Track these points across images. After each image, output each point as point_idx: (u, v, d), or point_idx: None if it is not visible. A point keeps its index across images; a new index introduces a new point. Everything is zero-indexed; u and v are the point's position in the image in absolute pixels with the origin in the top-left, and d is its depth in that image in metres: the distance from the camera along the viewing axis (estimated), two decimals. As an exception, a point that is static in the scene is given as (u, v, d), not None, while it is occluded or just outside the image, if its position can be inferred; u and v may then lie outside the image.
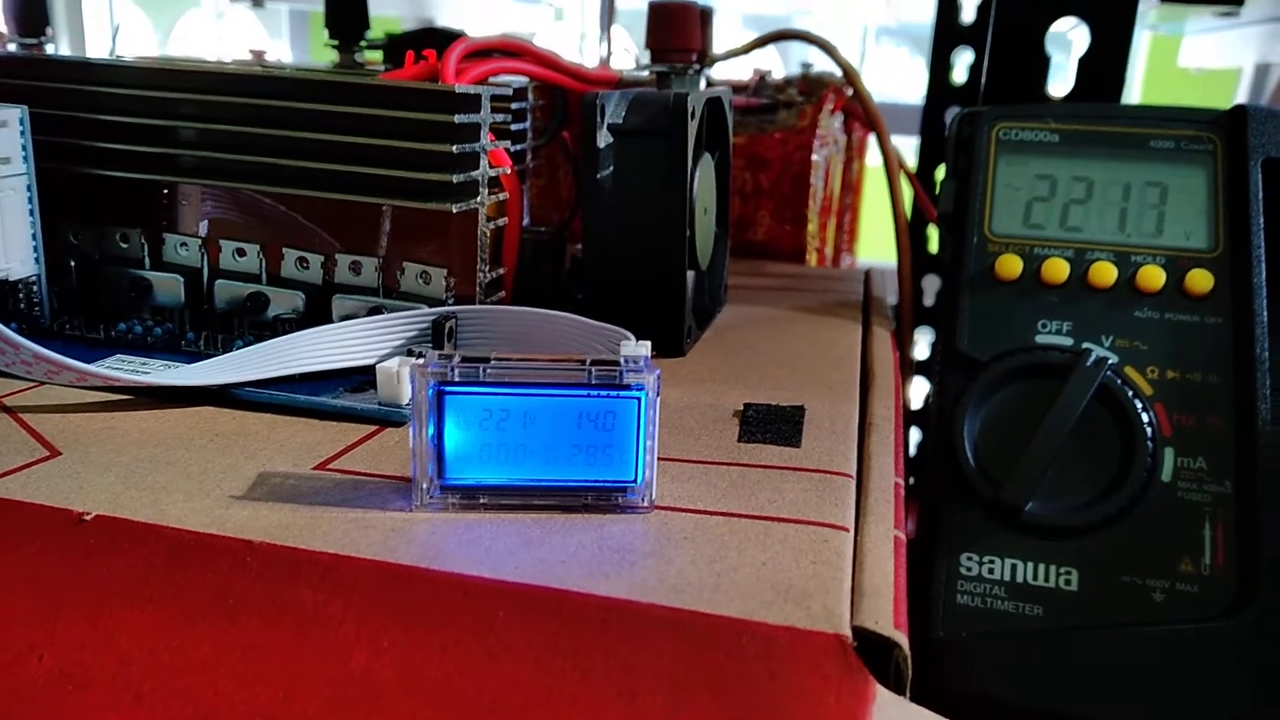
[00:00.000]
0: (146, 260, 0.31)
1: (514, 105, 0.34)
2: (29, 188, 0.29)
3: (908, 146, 0.56)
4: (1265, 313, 0.29)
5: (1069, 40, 0.41)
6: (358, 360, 0.27)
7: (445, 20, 1.09)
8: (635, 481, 0.20)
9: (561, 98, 0.38)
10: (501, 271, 0.31)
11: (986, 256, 0.31)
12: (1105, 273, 0.30)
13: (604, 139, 0.30)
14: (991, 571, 0.28)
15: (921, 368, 0.56)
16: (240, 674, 0.17)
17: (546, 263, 0.35)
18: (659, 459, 0.21)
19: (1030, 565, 0.28)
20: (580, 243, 0.32)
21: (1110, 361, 0.29)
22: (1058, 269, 0.31)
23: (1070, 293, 0.30)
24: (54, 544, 0.19)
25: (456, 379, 0.20)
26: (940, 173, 0.56)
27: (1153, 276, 0.30)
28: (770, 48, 0.43)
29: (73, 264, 0.31)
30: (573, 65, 0.35)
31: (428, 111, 0.27)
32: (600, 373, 0.20)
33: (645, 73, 0.35)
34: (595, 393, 0.20)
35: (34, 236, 0.29)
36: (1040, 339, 0.30)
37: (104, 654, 0.17)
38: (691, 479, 0.22)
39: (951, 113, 0.53)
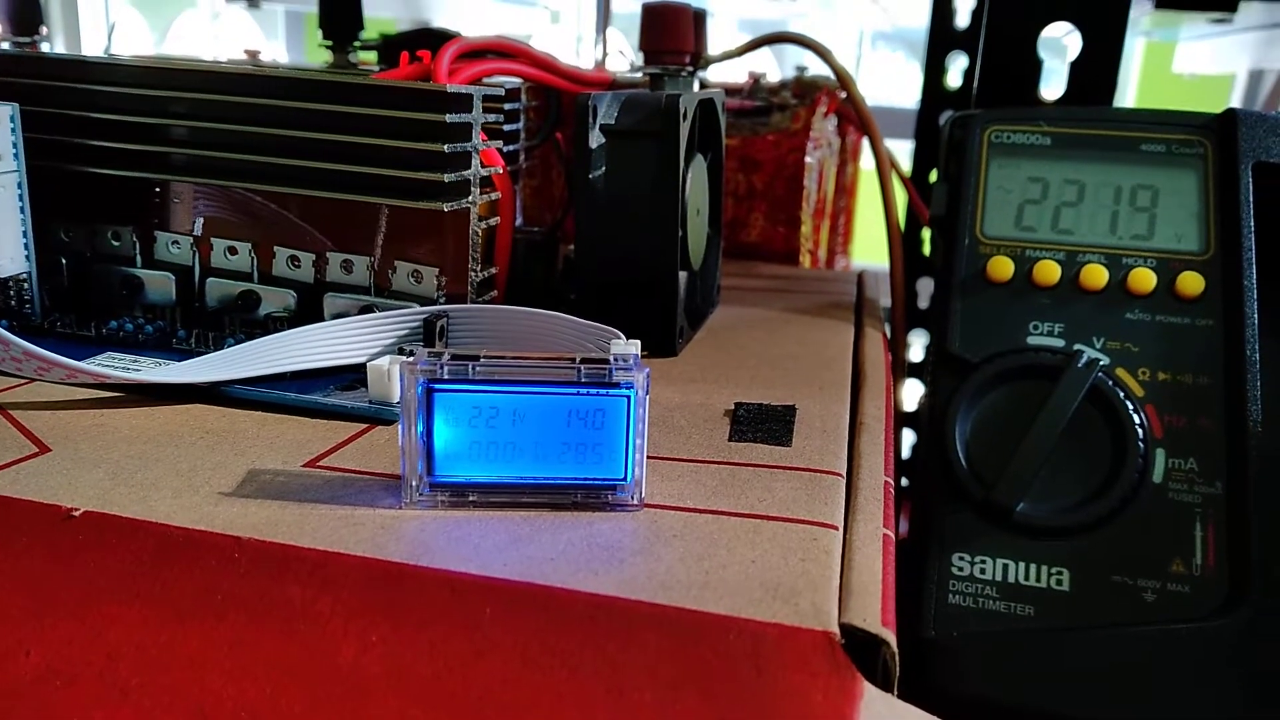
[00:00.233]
0: (138, 258, 0.31)
1: (507, 106, 0.34)
2: (20, 185, 0.29)
3: (902, 150, 0.57)
4: (1256, 315, 0.29)
5: (1064, 45, 0.41)
6: (349, 359, 0.27)
7: (440, 21, 1.09)
8: (625, 479, 0.20)
9: (555, 98, 0.38)
10: (493, 271, 0.31)
11: (978, 258, 0.31)
12: (1096, 275, 0.30)
13: (596, 140, 0.30)
14: (983, 571, 0.28)
15: (915, 370, 0.56)
16: (228, 670, 0.17)
17: (539, 263, 0.35)
18: (649, 457, 0.21)
19: (1022, 565, 0.28)
20: (573, 243, 0.32)
21: (1101, 363, 0.29)
22: (1049, 271, 0.31)
23: (1062, 295, 0.31)
24: (42, 540, 0.19)
25: (446, 376, 0.20)
26: (934, 176, 0.56)
27: (1144, 279, 0.30)
28: (765, 51, 0.43)
29: (64, 261, 0.31)
30: (566, 66, 0.36)
31: (419, 111, 0.27)
32: (590, 371, 0.20)
33: (639, 74, 0.35)
34: (585, 391, 0.20)
35: (25, 234, 0.29)
36: (1032, 340, 0.30)
37: (92, 650, 0.17)
38: (681, 477, 0.22)
39: (945, 116, 0.53)
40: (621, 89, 0.34)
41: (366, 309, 0.29)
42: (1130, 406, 0.28)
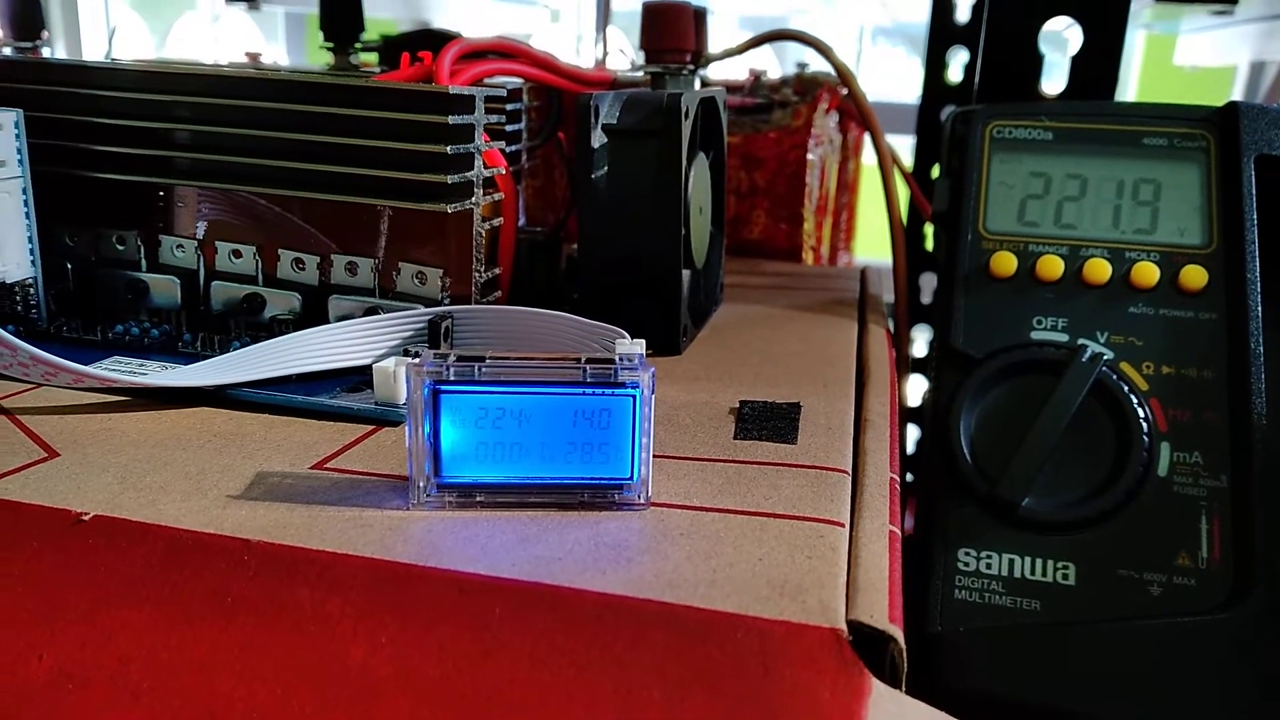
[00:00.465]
0: (143, 262, 0.31)
1: (509, 106, 0.34)
2: (25, 190, 0.29)
3: (904, 146, 0.57)
4: (1259, 308, 0.29)
5: (1065, 39, 0.41)
6: (354, 360, 0.28)
7: (441, 22, 1.09)
8: (631, 478, 0.20)
9: (556, 99, 0.38)
10: (497, 271, 0.31)
11: (981, 254, 0.31)
12: (1100, 269, 0.30)
13: (598, 139, 0.31)
14: (989, 567, 0.28)
15: (920, 365, 0.56)
16: (238, 672, 0.17)
17: (542, 263, 0.35)
18: (655, 456, 0.21)
19: (1027, 560, 0.28)
20: (576, 243, 0.32)
21: (1105, 357, 0.29)
22: (1052, 266, 0.31)
23: (1065, 289, 0.31)
24: (52, 544, 0.19)
25: (452, 378, 0.20)
26: (936, 171, 0.56)
27: (1147, 273, 0.30)
28: (766, 48, 0.43)
29: (69, 266, 0.31)
30: (567, 66, 0.36)
31: (422, 113, 0.27)
32: (595, 371, 0.20)
33: (640, 73, 0.35)
34: (590, 391, 0.20)
35: (30, 239, 0.29)
36: (1035, 335, 0.30)
37: (103, 653, 0.17)
38: (687, 476, 0.22)
39: (947, 112, 0.53)
40: (623, 88, 0.34)
41: (371, 311, 0.29)
42: (1135, 400, 0.28)
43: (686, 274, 0.32)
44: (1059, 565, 0.28)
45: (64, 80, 0.30)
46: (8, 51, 0.39)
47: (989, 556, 0.28)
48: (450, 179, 0.28)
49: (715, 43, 0.41)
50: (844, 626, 0.17)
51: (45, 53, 0.40)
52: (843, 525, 0.20)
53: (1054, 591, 0.27)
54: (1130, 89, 1.21)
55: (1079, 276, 0.30)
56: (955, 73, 0.57)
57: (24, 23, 0.39)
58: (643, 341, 0.21)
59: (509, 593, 0.18)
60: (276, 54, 1.26)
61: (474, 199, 0.29)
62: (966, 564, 0.28)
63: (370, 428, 0.25)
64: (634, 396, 0.20)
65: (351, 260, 0.29)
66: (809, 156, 0.46)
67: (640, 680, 0.16)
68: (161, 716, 0.16)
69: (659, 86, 0.32)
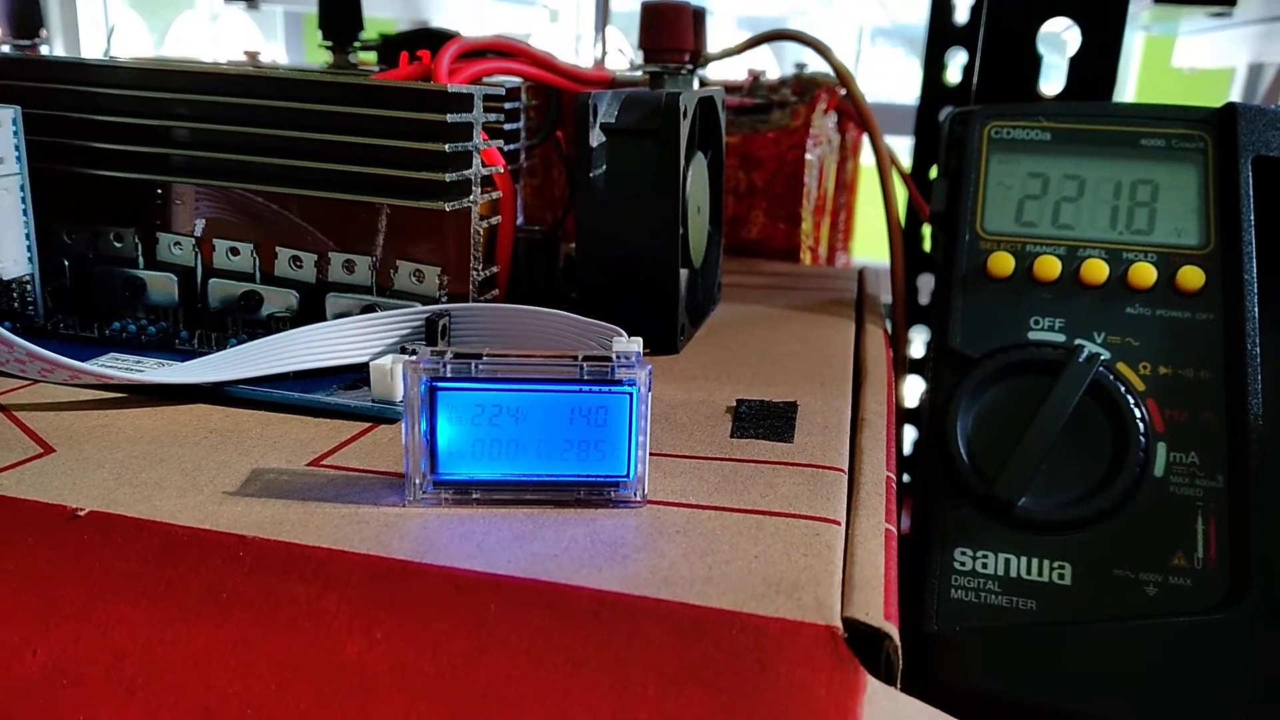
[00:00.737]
0: (140, 259, 0.31)
1: (507, 105, 0.34)
2: (22, 188, 0.29)
3: (903, 147, 0.57)
4: (1256, 309, 0.29)
5: (1064, 41, 0.41)
6: (351, 358, 0.28)
7: (439, 21, 1.09)
8: (627, 476, 0.20)
9: (555, 97, 0.38)
10: (495, 270, 0.31)
11: (979, 254, 0.32)
12: (1097, 270, 0.30)
13: (596, 138, 0.31)
14: (985, 566, 0.28)
15: (918, 366, 0.56)
16: (233, 668, 0.17)
17: (540, 261, 0.35)
18: (652, 454, 0.21)
19: (1024, 560, 0.28)
20: (574, 241, 0.32)
21: (1102, 358, 0.29)
22: (1050, 266, 0.31)
23: (1062, 290, 0.31)
24: (48, 540, 0.19)
25: (449, 375, 0.20)
26: (934, 172, 0.56)
27: (1144, 273, 0.30)
28: (766, 49, 0.43)
29: (67, 263, 0.31)
30: (566, 65, 0.36)
31: (420, 111, 0.27)
32: (592, 368, 0.20)
33: (638, 73, 0.35)
34: (587, 388, 0.20)
35: (28, 236, 0.29)
36: (1032, 336, 0.30)
37: (98, 649, 0.17)
38: (684, 474, 0.22)
39: (945, 112, 0.53)
40: (621, 87, 0.34)
41: (369, 308, 0.29)
42: (1131, 401, 0.28)
43: (684, 273, 0.32)
44: (1055, 565, 0.28)
45: (62, 77, 0.30)
46: (6, 49, 0.39)
47: (985, 556, 0.28)
48: (448, 177, 0.28)
49: (714, 43, 0.41)
50: (839, 624, 0.17)
51: (44, 51, 0.40)
52: (839, 523, 0.20)
53: (1050, 591, 0.27)
54: (1129, 91, 1.22)
55: (1076, 277, 0.31)
56: (954, 74, 0.57)
57: (22, 21, 0.39)
58: (639, 339, 0.21)
59: (505, 589, 0.18)
60: (275, 53, 1.26)
61: (472, 197, 0.29)
62: (963, 563, 0.28)
63: (367, 425, 0.25)
64: (630, 394, 0.20)
65: (349, 258, 0.29)
66: (807, 157, 0.46)
67: (636, 677, 0.16)
68: (156, 712, 0.16)
69: (657, 86, 0.32)
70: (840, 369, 0.31)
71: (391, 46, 0.41)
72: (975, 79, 0.41)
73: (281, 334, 0.27)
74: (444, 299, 0.29)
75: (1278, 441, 0.28)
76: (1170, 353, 0.29)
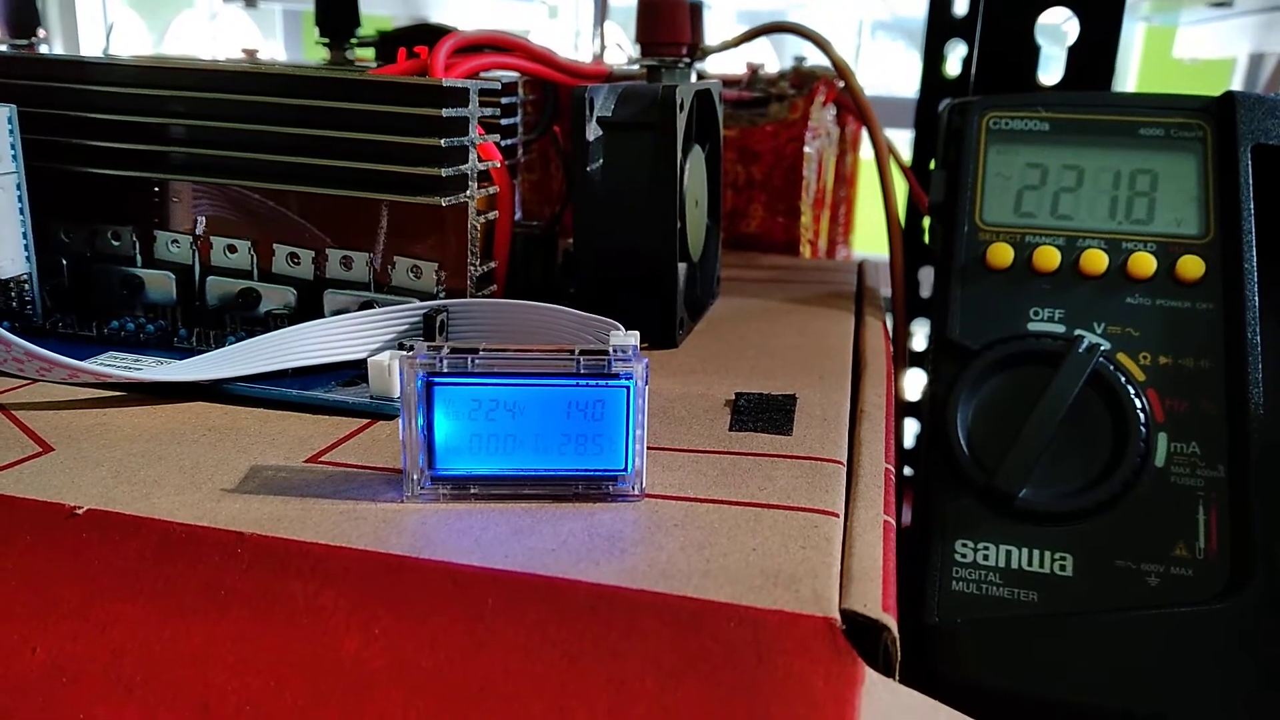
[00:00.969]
0: (138, 258, 0.31)
1: (504, 100, 0.34)
2: (19, 186, 0.29)
3: (903, 139, 0.57)
4: (1256, 298, 0.29)
5: (1064, 32, 0.41)
6: (349, 354, 0.28)
7: (438, 17, 1.09)
8: (625, 470, 0.20)
9: (552, 92, 0.38)
10: (493, 265, 0.31)
11: (978, 245, 0.31)
12: (1096, 260, 0.30)
13: (593, 132, 0.30)
14: (986, 558, 0.28)
15: (919, 360, 0.56)
16: (232, 665, 0.17)
17: (538, 256, 0.35)
18: (650, 448, 0.21)
19: (1025, 551, 0.28)
20: (572, 236, 0.32)
21: (1102, 348, 0.29)
22: (1049, 257, 0.31)
23: (1062, 280, 0.31)
24: (46, 538, 0.19)
25: (445, 370, 0.20)
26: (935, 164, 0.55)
27: (1144, 263, 0.30)
28: (765, 42, 0.43)
29: (64, 262, 0.31)
30: (563, 60, 0.35)
31: (415, 106, 0.27)
32: (589, 362, 0.20)
33: (636, 67, 0.35)
34: (584, 382, 0.20)
35: (25, 235, 0.29)
36: (1032, 326, 0.30)
37: (96, 646, 0.17)
38: (682, 467, 0.22)
39: (944, 104, 0.53)
40: (619, 81, 0.34)
41: (366, 305, 0.29)
42: (1131, 391, 0.28)
43: (683, 267, 0.32)
44: (1056, 556, 0.27)
45: (59, 76, 0.30)
46: (4, 48, 0.38)
47: (986, 548, 0.28)
48: (445, 172, 0.28)
49: (713, 36, 0.41)
50: (837, 616, 0.17)
51: (42, 49, 0.40)
52: (837, 515, 0.20)
53: (1051, 582, 0.27)
54: (1130, 81, 1.21)
55: (1076, 267, 0.30)
56: (953, 66, 0.57)
57: (20, 19, 0.39)
58: (636, 333, 0.21)
59: (503, 584, 0.18)
60: (274, 51, 1.26)
61: (469, 192, 0.29)
62: (964, 555, 0.28)
63: (365, 421, 0.25)
64: (628, 388, 0.20)
65: (346, 254, 0.29)
66: (806, 150, 0.46)
67: (634, 670, 0.16)
68: (155, 709, 0.16)
69: (655, 80, 0.32)
70: (839, 362, 0.31)
71: (389, 43, 0.41)
72: (973, 70, 0.41)
73: (279, 331, 0.27)
74: (442, 294, 0.29)
75: (1278, 431, 0.28)
76: (1170, 342, 0.29)
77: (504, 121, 0.34)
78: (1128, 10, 0.39)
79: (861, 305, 0.38)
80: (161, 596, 0.18)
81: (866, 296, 0.39)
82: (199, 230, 0.30)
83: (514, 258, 0.33)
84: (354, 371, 0.27)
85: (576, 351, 0.20)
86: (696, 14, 0.35)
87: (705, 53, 0.41)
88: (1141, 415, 0.28)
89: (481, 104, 0.29)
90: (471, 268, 0.29)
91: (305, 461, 0.22)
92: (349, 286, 0.30)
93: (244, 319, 0.30)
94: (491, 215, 0.31)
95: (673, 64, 0.33)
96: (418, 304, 0.28)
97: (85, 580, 0.18)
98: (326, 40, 0.38)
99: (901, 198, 0.44)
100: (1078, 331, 0.30)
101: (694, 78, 0.36)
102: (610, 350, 0.20)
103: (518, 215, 0.35)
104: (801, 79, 0.48)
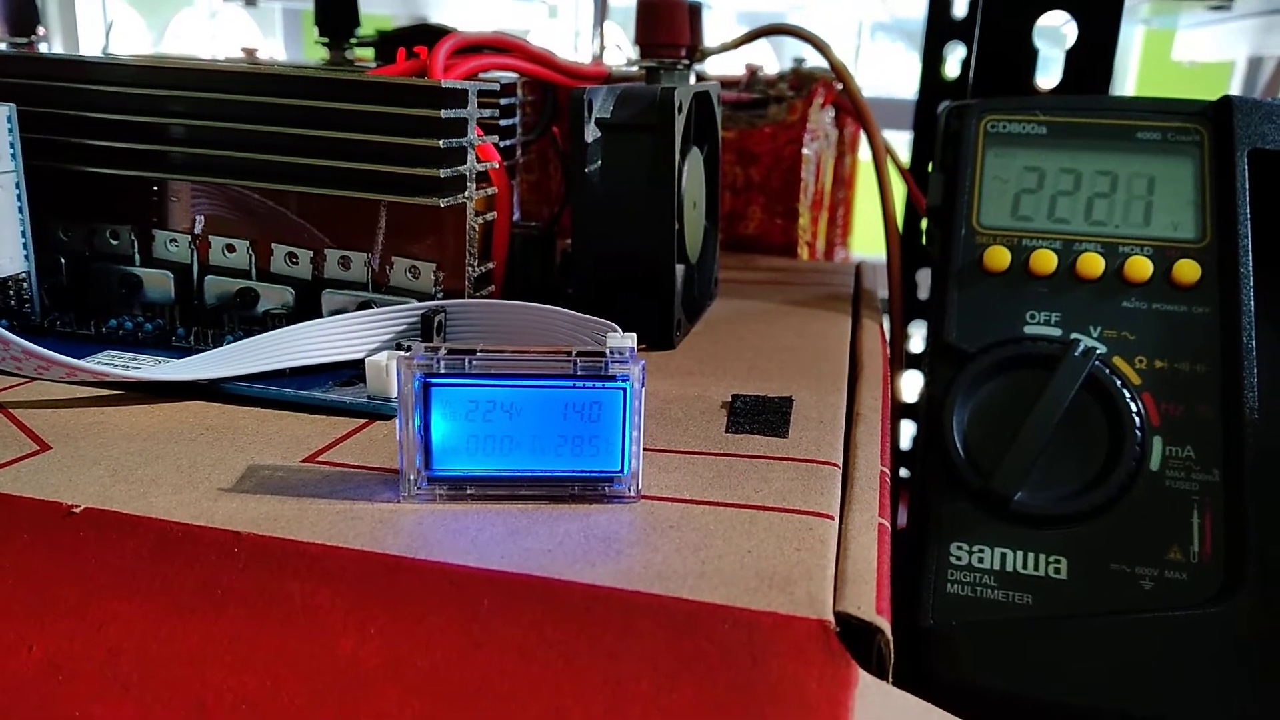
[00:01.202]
0: (136, 257, 0.31)
1: (503, 101, 0.34)
2: (18, 185, 0.29)
3: (902, 141, 0.57)
4: (1252, 302, 0.29)
5: (1063, 34, 0.41)
6: (347, 354, 0.28)
7: (438, 17, 1.09)
8: (621, 471, 0.20)
9: (551, 93, 0.38)
10: (491, 266, 0.31)
11: (975, 248, 0.32)
12: (1093, 264, 0.30)
13: (592, 134, 0.31)
14: (981, 561, 0.28)
15: (916, 361, 0.56)
16: (228, 664, 0.17)
17: (536, 257, 0.35)
18: (646, 449, 0.21)
19: (1020, 554, 0.28)
20: (570, 237, 0.32)
21: (1098, 351, 0.29)
22: (1046, 260, 0.31)
23: (1058, 284, 0.31)
24: (44, 537, 0.19)
25: (442, 371, 0.20)
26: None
27: (1140, 267, 0.30)
28: (764, 43, 0.43)
29: (63, 261, 0.31)
30: (562, 61, 0.36)
31: (414, 106, 0.27)
32: (585, 364, 0.20)
33: (634, 68, 0.35)
34: (581, 384, 0.20)
35: (24, 234, 0.29)
36: (1029, 330, 0.30)
37: (93, 645, 0.17)
38: (678, 469, 0.22)
39: (942, 107, 0.53)
40: (617, 83, 0.34)
41: (364, 305, 0.29)
42: (1127, 395, 0.28)
43: (680, 269, 0.32)
44: (1051, 559, 0.28)
45: (59, 75, 0.30)
46: (3, 46, 0.38)
47: (981, 550, 0.28)
48: (443, 173, 0.28)
49: (712, 37, 0.41)
50: (831, 618, 0.17)
51: (41, 48, 0.40)
52: (832, 518, 0.20)
53: (1046, 585, 0.27)
54: (1129, 84, 1.21)
55: (1072, 271, 0.31)
56: (952, 68, 0.57)
57: (20, 18, 0.39)
58: (633, 335, 0.21)
59: (499, 584, 0.18)
60: (274, 50, 1.26)
61: (467, 193, 0.29)
62: (959, 558, 0.28)
63: (362, 421, 0.25)
64: (624, 389, 0.20)
65: (345, 255, 0.29)
66: (804, 151, 0.46)
67: (629, 671, 0.16)
68: (151, 708, 0.17)
69: (653, 81, 0.33)
70: (836, 364, 0.31)
71: (389, 42, 0.41)
72: (972, 72, 0.41)
73: (277, 331, 0.27)
74: (440, 295, 0.29)
75: (1273, 435, 0.28)
76: (1166, 346, 0.29)
77: (503, 122, 0.34)
78: (1126, 12, 0.39)
79: (859, 307, 0.38)
80: (158, 595, 0.18)
81: (864, 298, 0.40)
82: (197, 229, 0.31)
83: (512, 259, 0.33)
84: (351, 371, 0.27)
85: (574, 353, 0.20)
86: (695, 15, 0.35)
87: (704, 54, 0.41)
88: (1137, 419, 0.28)
89: (480, 105, 0.29)
90: (469, 268, 0.29)
91: (302, 461, 0.22)
92: (347, 286, 0.30)
93: (242, 318, 0.30)
94: (490, 216, 0.31)
95: (671, 65, 0.33)
96: (415, 304, 0.28)
97: (82, 579, 0.18)
98: (326, 40, 0.38)
99: (899, 200, 0.44)
100: (1074, 335, 0.30)
101: (693, 79, 0.36)
102: (607, 352, 0.20)
103: (516, 216, 0.35)
104: (800, 81, 0.48)
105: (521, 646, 0.17)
